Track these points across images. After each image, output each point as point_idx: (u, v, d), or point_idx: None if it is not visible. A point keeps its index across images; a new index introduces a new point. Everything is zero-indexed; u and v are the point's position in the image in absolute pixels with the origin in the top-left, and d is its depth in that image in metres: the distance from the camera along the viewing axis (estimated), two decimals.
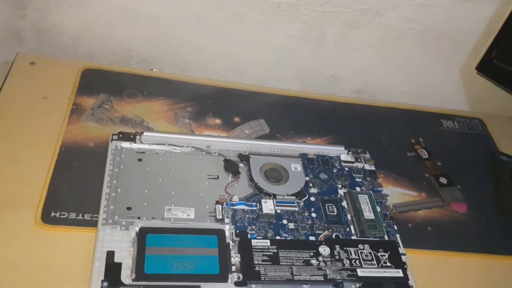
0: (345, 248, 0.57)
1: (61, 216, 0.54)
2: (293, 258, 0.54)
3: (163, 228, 0.54)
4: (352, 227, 0.60)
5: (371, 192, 0.64)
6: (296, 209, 0.60)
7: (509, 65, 0.77)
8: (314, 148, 0.68)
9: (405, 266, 0.57)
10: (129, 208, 0.55)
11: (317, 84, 0.87)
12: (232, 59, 0.83)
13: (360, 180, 0.66)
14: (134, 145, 0.62)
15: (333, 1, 0.76)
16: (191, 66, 0.83)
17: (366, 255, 0.57)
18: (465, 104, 0.92)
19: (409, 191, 0.70)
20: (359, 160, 0.68)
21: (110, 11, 0.75)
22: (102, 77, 0.72)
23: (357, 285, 0.54)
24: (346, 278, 0.54)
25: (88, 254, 0.51)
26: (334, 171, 0.66)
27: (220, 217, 0.57)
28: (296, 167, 0.65)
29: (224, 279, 0.51)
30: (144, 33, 0.78)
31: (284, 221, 0.59)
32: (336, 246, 0.57)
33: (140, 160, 0.61)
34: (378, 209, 0.62)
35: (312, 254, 0.55)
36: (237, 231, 0.56)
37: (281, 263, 0.53)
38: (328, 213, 0.61)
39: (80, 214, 0.55)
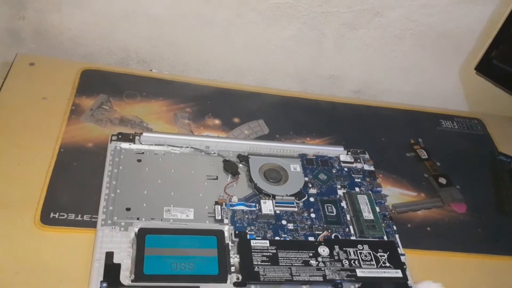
0: (344, 249, 0.57)
1: (60, 217, 0.54)
2: (292, 258, 0.54)
3: (162, 229, 0.54)
4: (351, 227, 0.60)
5: (370, 192, 0.64)
6: (295, 209, 0.60)
7: (508, 66, 0.77)
8: (313, 148, 0.68)
9: (404, 267, 0.57)
10: (128, 209, 0.55)
11: (317, 84, 0.87)
12: (231, 59, 0.83)
13: (359, 180, 0.66)
14: (133, 146, 0.62)
15: (333, 2, 0.76)
16: (190, 66, 0.83)
17: (365, 256, 0.57)
18: (464, 105, 0.92)
19: (408, 192, 0.70)
20: (358, 160, 0.68)
21: (109, 12, 0.75)
22: (101, 78, 0.72)
23: (356, 285, 0.54)
24: (345, 278, 0.54)
25: (87, 255, 0.51)
26: (334, 171, 0.66)
27: (219, 217, 0.57)
28: (295, 167, 0.65)
29: (223, 280, 0.51)
30: (144, 34, 0.78)
31: (283, 222, 0.59)
32: (335, 246, 0.57)
33: (139, 160, 0.61)
34: (377, 209, 0.62)
35: (311, 254, 0.55)
36: (236, 232, 0.56)
37: (280, 264, 0.53)
38: (327, 213, 0.61)
39: (79, 215, 0.55)
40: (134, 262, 0.50)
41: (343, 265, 0.55)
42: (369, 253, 0.57)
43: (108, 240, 0.52)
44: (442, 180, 0.72)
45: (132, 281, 0.49)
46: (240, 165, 0.64)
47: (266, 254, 0.54)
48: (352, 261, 0.56)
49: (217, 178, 0.61)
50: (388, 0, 0.76)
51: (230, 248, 0.54)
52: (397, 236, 0.61)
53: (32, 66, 0.71)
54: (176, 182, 0.60)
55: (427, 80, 0.89)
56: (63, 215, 0.55)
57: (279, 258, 0.54)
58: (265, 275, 0.52)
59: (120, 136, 0.62)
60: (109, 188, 0.57)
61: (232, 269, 0.52)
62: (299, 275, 0.53)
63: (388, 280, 0.55)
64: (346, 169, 0.67)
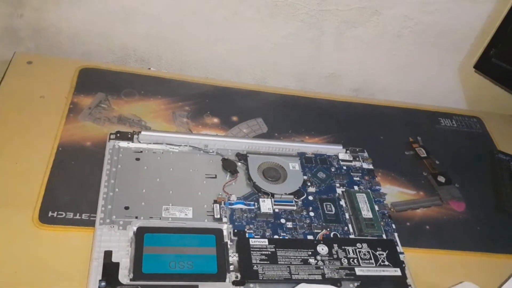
0: (343, 247, 0.57)
1: (58, 216, 0.54)
2: (291, 257, 0.54)
3: (161, 228, 0.54)
4: (350, 226, 0.60)
5: (369, 191, 0.64)
6: (294, 208, 0.60)
7: (507, 64, 0.77)
8: (312, 147, 0.68)
9: (403, 265, 0.57)
10: (126, 208, 0.55)
11: (315, 83, 0.87)
12: (230, 58, 0.83)
13: (358, 179, 0.66)
14: (131, 145, 0.62)
15: (331, 0, 0.75)
16: (188, 65, 0.83)
17: (364, 254, 0.57)
18: (463, 103, 0.92)
19: (407, 190, 0.70)
20: (357, 159, 0.68)
21: (107, 10, 0.74)
22: (99, 76, 0.72)
23: (355, 284, 0.54)
24: (344, 277, 0.54)
25: (86, 253, 0.51)
26: (332, 170, 0.66)
27: (218, 216, 0.57)
28: (294, 166, 0.65)
29: (222, 279, 0.51)
30: (142, 32, 0.78)
31: (282, 220, 0.59)
32: (334, 245, 0.57)
33: (137, 159, 0.61)
34: (376, 208, 0.62)
35: (310, 253, 0.55)
36: (235, 230, 0.56)
37: (279, 262, 0.53)
38: (326, 212, 0.61)
39: (78, 214, 0.55)
40: (133, 261, 0.50)
41: (342, 264, 0.55)
42: (368, 252, 0.57)
43: (107, 239, 0.52)
44: (441, 179, 0.72)
45: (130, 280, 0.49)
46: (239, 163, 0.64)
47: (265, 252, 0.54)
48: (351, 259, 0.56)
49: (215, 177, 0.61)
50: None
51: (229, 246, 0.54)
52: (396, 234, 0.61)
53: (30, 65, 0.70)
54: (175, 181, 0.59)
55: (426, 78, 0.89)
56: (62, 214, 0.55)
57: (278, 256, 0.54)
58: (264, 273, 0.52)
59: (118, 135, 0.62)
60: (108, 187, 0.57)
61: (231, 267, 0.52)
62: (298, 274, 0.53)
63: (387, 278, 0.55)
64: (345, 167, 0.67)
